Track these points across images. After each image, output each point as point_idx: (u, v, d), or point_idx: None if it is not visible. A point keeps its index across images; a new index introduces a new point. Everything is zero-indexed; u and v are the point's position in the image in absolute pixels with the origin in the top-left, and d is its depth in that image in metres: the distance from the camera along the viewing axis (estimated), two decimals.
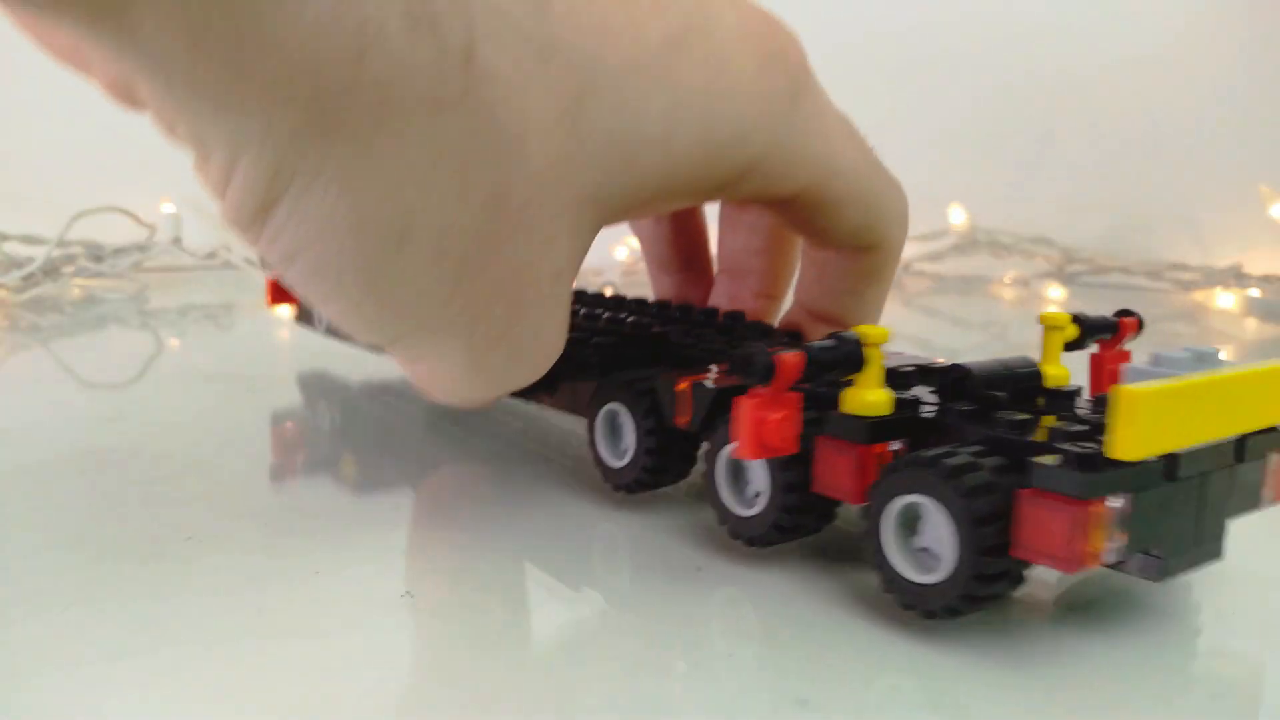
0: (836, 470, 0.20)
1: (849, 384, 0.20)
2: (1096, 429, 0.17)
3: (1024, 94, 1.05)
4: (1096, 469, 0.16)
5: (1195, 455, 0.18)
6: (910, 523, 0.18)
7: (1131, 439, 0.16)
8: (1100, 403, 0.21)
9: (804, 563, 0.22)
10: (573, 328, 0.29)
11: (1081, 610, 0.20)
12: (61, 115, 0.69)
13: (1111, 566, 0.18)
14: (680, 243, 0.35)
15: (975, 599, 0.17)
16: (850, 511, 0.21)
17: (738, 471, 0.22)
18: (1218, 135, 0.96)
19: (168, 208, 0.78)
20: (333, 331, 0.39)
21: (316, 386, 0.42)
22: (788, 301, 0.31)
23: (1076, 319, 0.23)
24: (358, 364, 0.43)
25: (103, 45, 0.16)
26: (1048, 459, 0.17)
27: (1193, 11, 1.01)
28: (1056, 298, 0.85)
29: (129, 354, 0.56)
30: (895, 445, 0.20)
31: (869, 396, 0.19)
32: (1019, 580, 0.18)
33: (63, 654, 0.18)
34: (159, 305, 0.71)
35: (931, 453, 0.18)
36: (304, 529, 0.24)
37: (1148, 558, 0.18)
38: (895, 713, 0.16)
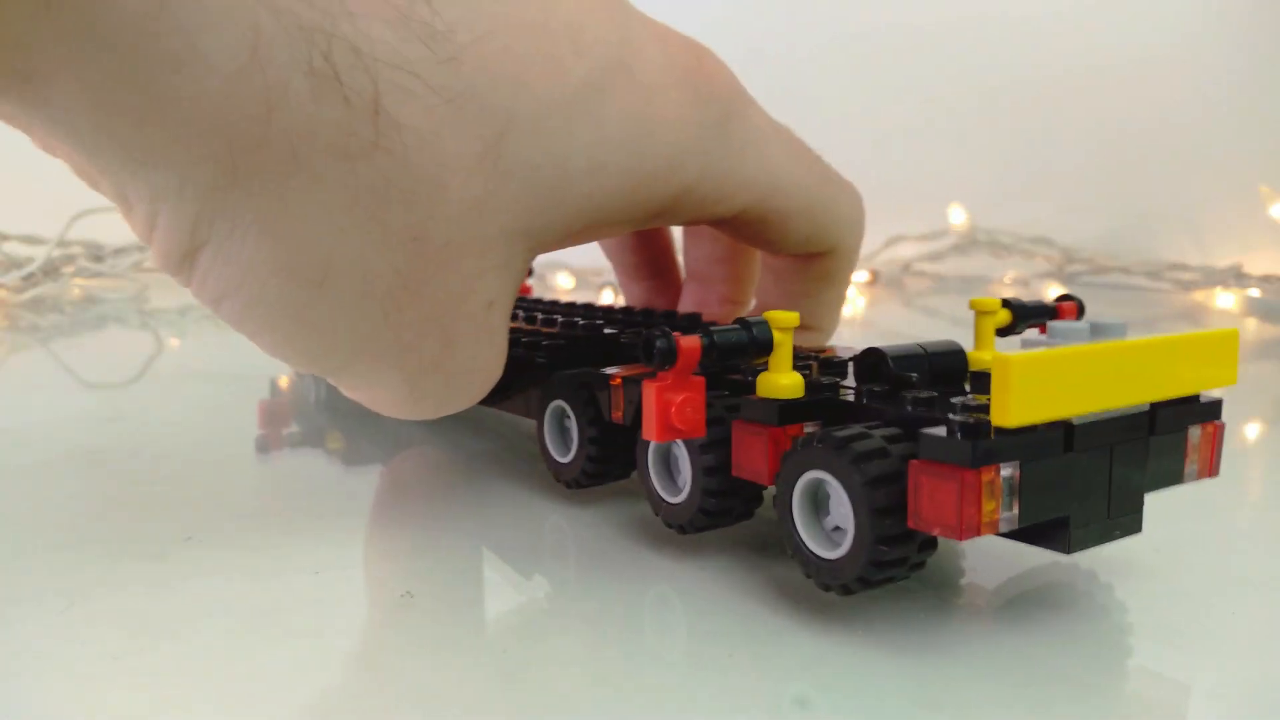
0: (751, 453, 0.20)
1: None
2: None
3: (1025, 94, 1.05)
4: (982, 437, 0.16)
5: (1096, 425, 0.18)
6: (823, 503, 0.18)
7: (1013, 406, 0.16)
8: None
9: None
10: (527, 332, 0.29)
11: (1081, 611, 0.20)
12: None
13: (1018, 538, 0.18)
14: (646, 253, 0.37)
15: (881, 565, 0.17)
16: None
17: (669, 460, 0.22)
18: (1218, 135, 0.96)
19: None
20: None
21: (316, 386, 0.42)
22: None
23: (1008, 304, 0.23)
24: None
25: (15, 111, 0.17)
26: (937, 430, 0.17)
27: (1193, 11, 1.01)
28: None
29: (129, 354, 0.56)
30: (810, 428, 0.20)
31: (781, 380, 0.20)
32: (927, 549, 0.18)
33: (63, 654, 0.18)
34: (159, 305, 0.71)
35: (830, 430, 0.18)
36: (304, 529, 0.25)
37: (1054, 529, 0.18)
38: (895, 713, 0.16)
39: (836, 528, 0.18)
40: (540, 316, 0.32)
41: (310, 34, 0.17)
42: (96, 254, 0.79)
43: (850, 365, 0.22)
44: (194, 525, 0.24)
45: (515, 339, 0.28)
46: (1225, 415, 0.20)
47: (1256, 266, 0.84)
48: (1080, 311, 0.25)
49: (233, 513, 0.26)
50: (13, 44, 0.16)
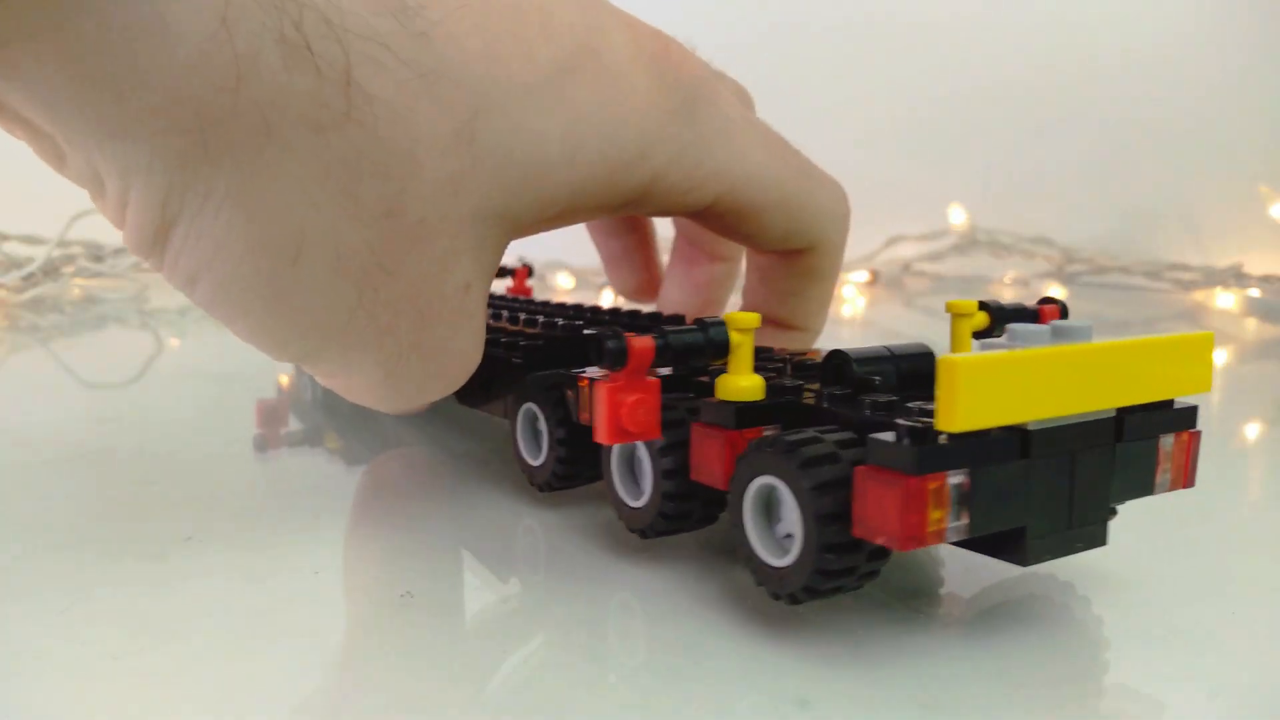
0: (708, 457, 0.19)
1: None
2: None
3: (1025, 94, 1.05)
4: (928, 443, 0.15)
5: (1055, 431, 0.17)
6: (776, 509, 0.18)
7: (959, 410, 0.15)
8: None
9: None
10: (506, 332, 0.29)
11: (1081, 610, 0.20)
12: None
13: (973, 549, 0.18)
14: (627, 240, 0.37)
15: (827, 574, 0.16)
16: None
17: (633, 464, 0.22)
18: (1218, 135, 0.96)
19: None
20: None
21: (310, 388, 0.42)
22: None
23: (984, 306, 0.23)
24: None
25: None
26: (885, 435, 0.16)
27: (1193, 11, 1.01)
28: (1057, 297, 0.85)
29: (129, 354, 0.56)
30: (769, 431, 0.19)
31: (740, 382, 0.19)
32: (877, 559, 0.17)
33: (63, 654, 0.18)
34: (159, 305, 0.71)
35: (781, 434, 0.17)
36: (304, 529, 0.25)
37: (1010, 540, 0.17)
38: (894, 713, 0.16)
39: (788, 535, 0.17)
40: (523, 317, 0.32)
41: (281, 2, 0.17)
42: (96, 254, 0.79)
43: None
44: (194, 525, 0.24)
45: (495, 339, 0.27)
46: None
47: (1256, 266, 0.84)
48: (1063, 314, 0.24)
49: (233, 513, 0.26)
50: None
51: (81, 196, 0.21)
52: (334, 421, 0.37)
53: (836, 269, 0.30)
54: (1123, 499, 0.18)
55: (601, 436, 0.19)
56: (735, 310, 0.20)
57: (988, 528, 0.16)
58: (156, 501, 0.27)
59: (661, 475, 0.20)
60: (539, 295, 0.47)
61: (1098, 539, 0.18)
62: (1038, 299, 0.24)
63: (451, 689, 0.17)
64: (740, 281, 0.33)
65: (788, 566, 0.17)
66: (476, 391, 0.25)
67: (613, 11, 0.23)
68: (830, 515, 0.16)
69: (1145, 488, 0.19)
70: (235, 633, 0.19)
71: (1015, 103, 1.05)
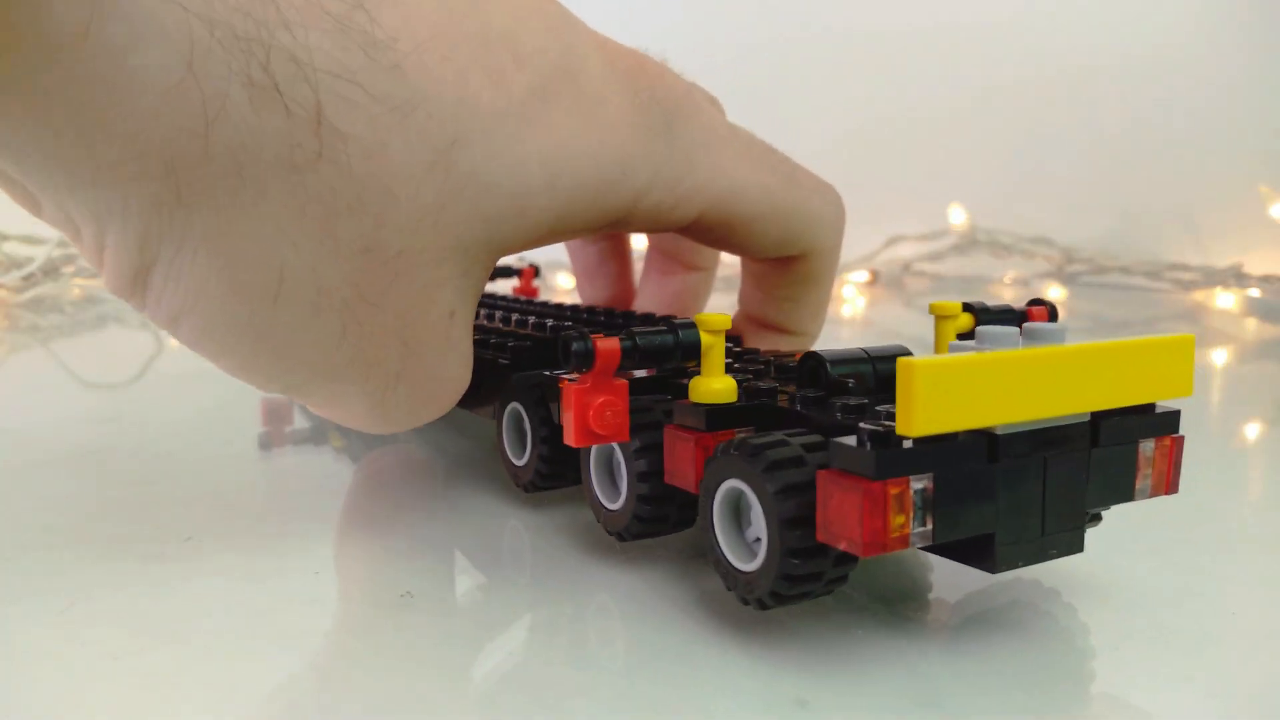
0: (680, 459, 0.19)
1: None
2: None
3: (1024, 94, 1.05)
4: (890, 447, 0.15)
5: (1024, 435, 0.17)
6: (745, 513, 0.18)
7: (917, 414, 0.14)
8: None
9: None
10: (494, 332, 0.29)
11: (1070, 614, 0.20)
12: None
13: (942, 555, 0.18)
14: (601, 253, 0.37)
15: (793, 579, 0.16)
16: None
17: (611, 466, 0.22)
18: (1218, 135, 0.96)
19: None
20: None
21: None
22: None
23: (969, 307, 0.23)
24: None
25: None
26: (848, 439, 0.16)
27: (1192, 11, 1.01)
28: (1057, 297, 0.85)
29: (129, 354, 0.56)
30: (742, 434, 0.19)
31: (713, 385, 0.19)
32: (845, 564, 0.17)
33: (63, 654, 0.18)
34: None
35: (747, 437, 0.17)
36: (304, 529, 0.25)
37: (979, 546, 0.17)
38: (893, 713, 0.16)
39: (757, 539, 0.17)
40: (515, 317, 0.32)
41: (247, 45, 0.17)
42: None
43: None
44: (194, 525, 0.25)
45: (485, 340, 0.28)
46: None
47: (1256, 266, 0.84)
48: (1052, 316, 0.24)
49: (233, 513, 0.26)
50: None
51: None
52: (351, 444, 0.37)
53: (832, 273, 0.30)
54: (1101, 505, 0.18)
55: (569, 438, 0.19)
56: (709, 313, 0.20)
57: (954, 534, 0.16)
58: (156, 501, 0.27)
59: (636, 478, 0.20)
60: (539, 295, 0.47)
61: (1074, 545, 0.18)
62: (1029, 299, 0.24)
63: (451, 691, 0.17)
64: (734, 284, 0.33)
65: (754, 571, 0.17)
66: (467, 392, 0.25)
67: (585, 32, 0.23)
68: (795, 520, 0.16)
69: (1124, 494, 0.18)
70: (235, 633, 0.19)
71: (1016, 103, 1.05)
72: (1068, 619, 0.19)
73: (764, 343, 0.31)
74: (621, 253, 0.37)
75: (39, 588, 0.21)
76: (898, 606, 0.20)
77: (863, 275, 0.99)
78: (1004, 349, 0.16)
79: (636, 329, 0.19)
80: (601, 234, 0.37)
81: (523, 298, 0.43)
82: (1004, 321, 0.22)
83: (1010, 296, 0.87)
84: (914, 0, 1.07)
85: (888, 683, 0.17)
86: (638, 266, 0.38)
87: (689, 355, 0.19)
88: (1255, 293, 0.83)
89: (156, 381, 0.48)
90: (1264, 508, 0.28)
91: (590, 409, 0.19)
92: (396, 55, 0.19)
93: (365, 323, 0.20)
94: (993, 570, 0.17)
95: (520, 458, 0.25)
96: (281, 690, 0.17)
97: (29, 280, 0.73)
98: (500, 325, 0.32)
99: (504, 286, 0.53)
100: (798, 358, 0.24)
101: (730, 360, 0.23)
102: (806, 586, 0.17)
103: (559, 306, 0.36)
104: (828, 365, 0.19)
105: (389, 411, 0.22)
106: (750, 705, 0.16)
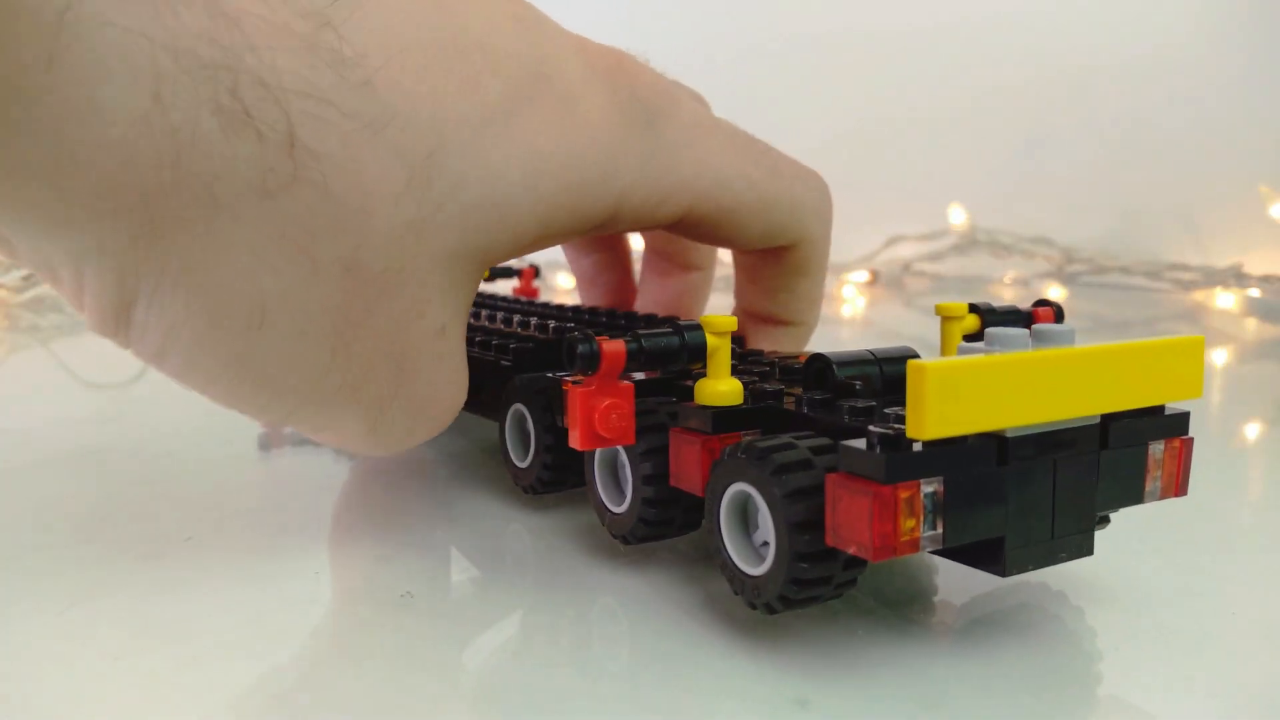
0: (686, 462, 0.19)
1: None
2: None
3: (1024, 94, 1.05)
4: (900, 450, 0.15)
5: (1034, 438, 0.16)
6: (752, 516, 0.18)
7: (929, 417, 0.14)
8: None
9: None
10: (496, 334, 0.29)
11: (1076, 614, 0.20)
12: None
13: (952, 558, 0.18)
14: (599, 256, 0.37)
15: (802, 583, 0.16)
16: None
17: (616, 469, 0.22)
18: (1218, 135, 0.96)
19: None
20: None
21: None
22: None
23: (975, 308, 0.22)
24: None
25: None
26: (857, 442, 0.16)
27: (1193, 11, 1.01)
28: (1057, 297, 0.85)
29: (129, 354, 0.56)
30: (748, 437, 0.19)
31: (719, 387, 0.19)
32: (854, 568, 0.17)
33: (63, 654, 0.18)
34: None
35: (754, 440, 0.17)
36: (304, 529, 0.25)
37: (989, 550, 0.17)
38: (896, 715, 0.16)
39: (764, 543, 0.17)
40: (516, 318, 0.32)
41: (213, 71, 0.17)
42: None
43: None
44: (194, 525, 0.24)
45: (486, 341, 0.27)
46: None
47: (1256, 266, 0.84)
48: (1059, 317, 0.24)
49: (233, 513, 0.26)
50: None
51: None
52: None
53: (823, 262, 0.30)
54: (1110, 508, 0.18)
55: (575, 442, 0.19)
56: (713, 314, 0.20)
57: (964, 537, 0.16)
58: (156, 501, 0.27)
59: (641, 481, 0.20)
60: (539, 296, 0.47)
61: (1084, 548, 0.18)
62: (1035, 300, 0.24)
63: (451, 692, 0.17)
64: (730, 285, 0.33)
65: (763, 575, 0.17)
66: (470, 395, 0.25)
67: (560, 34, 0.23)
68: (804, 523, 0.16)
69: (1134, 496, 0.18)
70: (235, 633, 0.19)
71: (1015, 103, 1.05)
72: (1074, 621, 0.19)
73: (763, 337, 0.31)
74: (620, 261, 0.37)
75: (39, 588, 0.21)
76: (903, 609, 0.20)
77: (863, 275, 0.98)
78: (1014, 351, 0.16)
79: (642, 330, 0.19)
80: (595, 240, 0.37)
81: (523, 298, 0.43)
82: (1010, 323, 0.22)
83: (1010, 296, 0.87)
84: (914, 0, 1.07)
85: (891, 685, 0.17)
86: (637, 269, 0.38)
87: (695, 357, 0.19)
88: (1255, 293, 0.83)
89: (156, 381, 0.47)
90: (1264, 508, 0.28)
91: (596, 412, 0.19)
92: (367, 71, 0.19)
93: (353, 344, 0.20)
94: (1002, 574, 0.17)
95: (523, 460, 0.25)
96: (281, 690, 0.17)
97: (29, 280, 0.73)
98: (501, 326, 0.32)
99: (504, 287, 0.53)
100: (803, 359, 0.24)
101: (736, 362, 0.23)
102: (815, 590, 0.17)
103: (560, 307, 0.36)
104: (834, 367, 0.19)
105: (384, 433, 0.22)
106: (752, 707, 0.16)
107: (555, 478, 0.24)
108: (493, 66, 0.21)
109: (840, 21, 1.05)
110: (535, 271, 0.47)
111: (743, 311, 0.31)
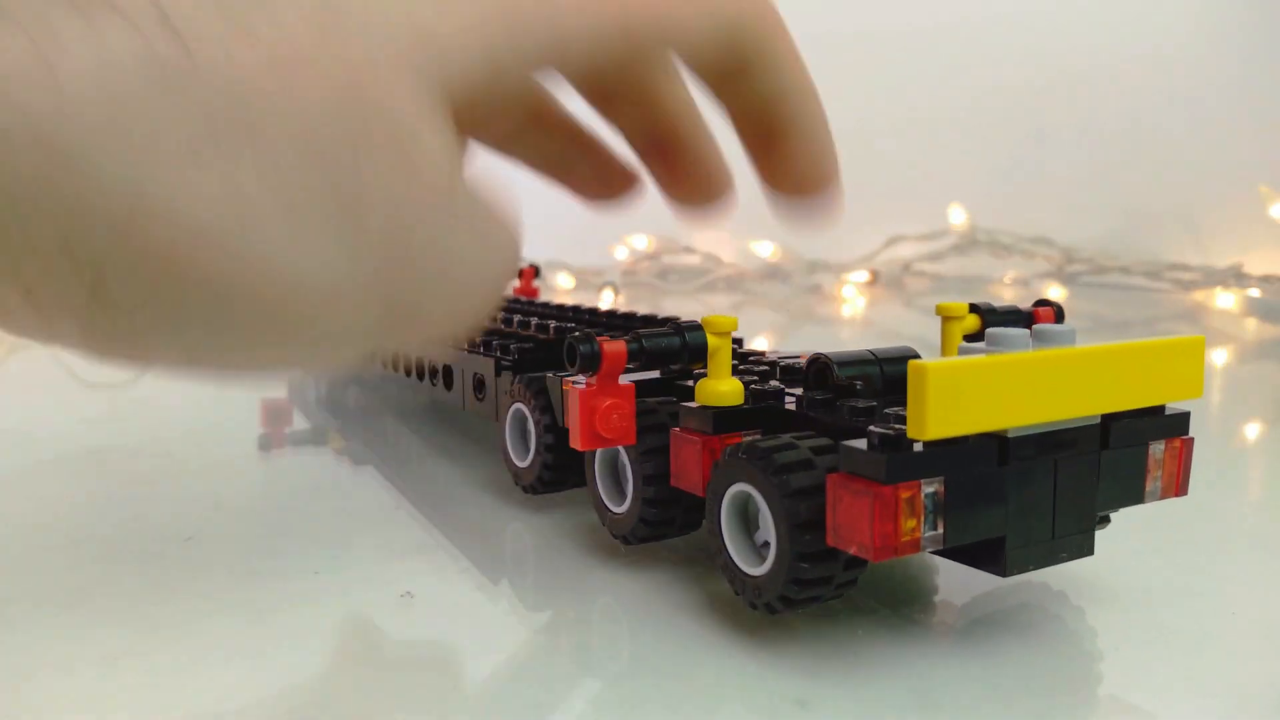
0: (687, 462, 0.19)
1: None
2: None
3: (1024, 94, 1.05)
4: (901, 450, 0.15)
5: (1035, 438, 0.16)
6: (754, 516, 0.18)
7: (930, 417, 0.14)
8: None
9: None
10: (497, 333, 0.29)
11: (1076, 614, 0.20)
12: None
13: (952, 558, 0.18)
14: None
15: (803, 583, 0.16)
16: None
17: (616, 469, 0.22)
18: (1218, 135, 0.96)
19: None
20: None
21: (313, 387, 0.42)
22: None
23: (975, 308, 0.22)
24: (354, 366, 0.43)
25: None
26: (858, 442, 0.16)
27: (1192, 11, 1.01)
28: (1057, 297, 0.85)
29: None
30: (749, 437, 0.19)
31: (720, 387, 0.19)
32: (855, 568, 0.17)
33: (63, 654, 0.18)
34: None
35: (756, 440, 0.17)
36: (303, 528, 0.25)
37: (989, 550, 0.17)
38: (893, 713, 0.16)
39: (765, 543, 0.17)
40: (517, 318, 0.32)
41: None
42: None
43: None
44: (194, 525, 0.24)
45: (487, 341, 0.28)
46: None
47: (1256, 266, 0.84)
48: (1059, 317, 0.24)
49: (233, 513, 0.26)
50: None
51: None
52: (337, 421, 0.37)
53: (792, 70, 0.23)
54: (1111, 508, 0.18)
55: (576, 442, 0.19)
56: (714, 314, 0.20)
57: (965, 537, 0.16)
58: (156, 501, 0.27)
59: (642, 481, 0.20)
60: (539, 296, 0.47)
61: (1084, 549, 0.18)
62: (1035, 300, 0.24)
63: (451, 692, 0.17)
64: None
65: (764, 575, 0.17)
66: (470, 393, 0.25)
67: None
68: (805, 523, 0.16)
69: (1135, 496, 0.18)
70: (235, 633, 0.19)
71: (1016, 103, 1.05)
72: (1074, 621, 0.19)
73: (788, 208, 0.23)
74: (581, 137, 0.26)
75: (39, 588, 0.21)
76: (903, 609, 0.20)
77: (863, 275, 0.98)
78: (1015, 351, 0.16)
79: (642, 330, 0.19)
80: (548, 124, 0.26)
81: (523, 298, 0.43)
82: (1011, 323, 0.22)
83: (1010, 296, 0.87)
84: (914, 0, 1.07)
85: (891, 685, 0.17)
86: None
87: (695, 357, 0.19)
88: (1255, 293, 0.83)
89: (156, 381, 0.47)
90: (1264, 508, 0.28)
91: (597, 412, 0.19)
92: None
93: (350, 205, 0.16)
94: (1003, 574, 0.17)
95: (523, 459, 0.25)
96: (281, 690, 0.17)
97: None
98: (502, 326, 0.32)
99: None
100: (804, 360, 0.24)
101: (736, 362, 0.23)
102: (816, 590, 0.17)
103: (560, 307, 0.36)
104: (835, 367, 0.19)
105: (413, 317, 0.18)
106: (752, 707, 0.16)
107: (555, 479, 0.24)
108: None
109: (840, 21, 1.05)
110: (535, 271, 0.47)
111: (768, 194, 0.23)
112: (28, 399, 0.44)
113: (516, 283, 0.47)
